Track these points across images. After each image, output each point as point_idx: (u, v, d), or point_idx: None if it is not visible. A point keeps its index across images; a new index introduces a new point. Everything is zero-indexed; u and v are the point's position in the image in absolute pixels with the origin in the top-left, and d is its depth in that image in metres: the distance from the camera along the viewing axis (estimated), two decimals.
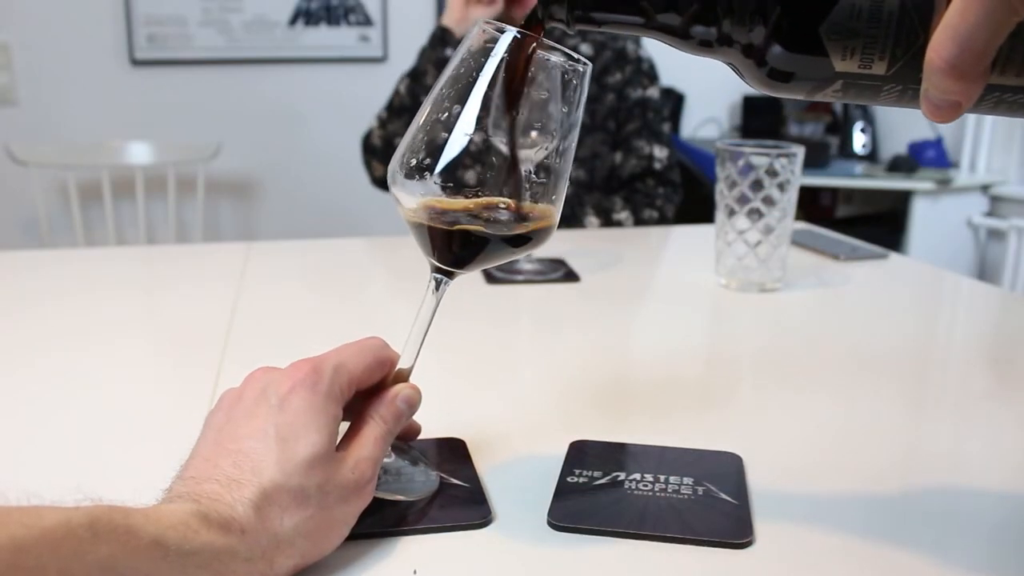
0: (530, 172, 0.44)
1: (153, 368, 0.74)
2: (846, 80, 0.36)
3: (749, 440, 0.57)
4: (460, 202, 0.44)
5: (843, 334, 0.83)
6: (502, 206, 0.44)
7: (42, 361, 0.73)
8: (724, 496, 0.49)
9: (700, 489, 0.50)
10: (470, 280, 0.99)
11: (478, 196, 0.44)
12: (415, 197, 0.44)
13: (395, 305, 0.95)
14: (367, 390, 0.48)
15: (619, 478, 0.51)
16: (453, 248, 0.45)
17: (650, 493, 0.49)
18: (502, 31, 0.42)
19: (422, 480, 0.50)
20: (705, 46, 0.39)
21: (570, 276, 1.00)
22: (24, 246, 2.38)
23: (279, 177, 2.57)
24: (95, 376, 0.70)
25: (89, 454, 0.56)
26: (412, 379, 0.50)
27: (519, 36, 0.42)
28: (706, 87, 2.90)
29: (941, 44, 0.31)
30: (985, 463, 0.56)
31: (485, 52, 0.43)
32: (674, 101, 2.80)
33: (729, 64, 0.40)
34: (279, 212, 2.59)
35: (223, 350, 0.75)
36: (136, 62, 2.44)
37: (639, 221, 1.51)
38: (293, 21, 2.53)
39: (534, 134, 0.44)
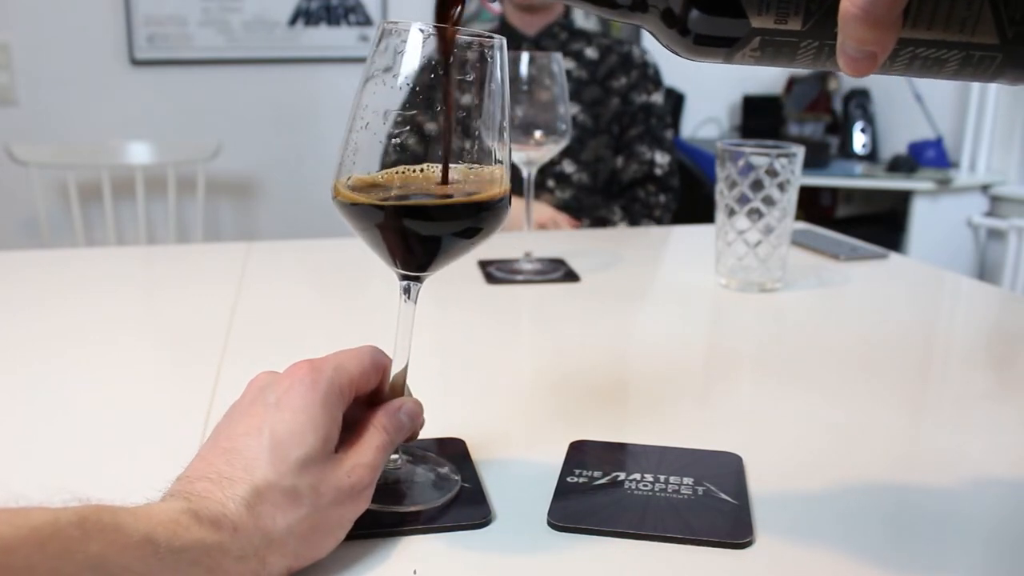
0: (461, 146, 0.44)
1: (153, 368, 0.74)
2: (763, 37, 0.36)
3: (749, 440, 0.57)
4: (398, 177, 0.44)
5: (843, 334, 0.83)
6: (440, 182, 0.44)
7: (42, 361, 0.73)
8: (724, 496, 0.49)
9: (700, 489, 0.50)
10: (470, 280, 0.99)
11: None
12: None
13: (395, 305, 0.95)
14: (369, 400, 0.48)
15: (619, 478, 0.51)
16: (409, 242, 0.45)
17: (650, 493, 0.49)
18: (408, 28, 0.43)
19: (443, 487, 0.49)
20: (622, 9, 0.39)
21: (570, 276, 1.00)
22: (24, 246, 2.38)
23: (279, 177, 2.57)
24: (95, 376, 0.70)
25: (89, 454, 0.56)
26: (412, 383, 0.50)
27: (430, 29, 0.43)
28: (706, 87, 2.90)
29: None
30: (985, 463, 0.56)
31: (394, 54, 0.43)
32: (674, 101, 2.80)
33: (647, 29, 0.40)
34: (279, 212, 2.59)
35: (223, 350, 0.75)
36: (136, 62, 2.44)
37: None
38: (293, 21, 2.53)
39: (466, 99, 0.44)
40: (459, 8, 0.44)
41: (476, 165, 0.45)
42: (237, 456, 0.41)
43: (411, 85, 0.43)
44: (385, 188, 0.44)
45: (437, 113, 0.43)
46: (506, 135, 0.46)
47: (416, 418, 0.49)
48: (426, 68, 0.43)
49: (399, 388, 0.49)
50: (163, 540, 0.35)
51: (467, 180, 0.45)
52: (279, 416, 0.42)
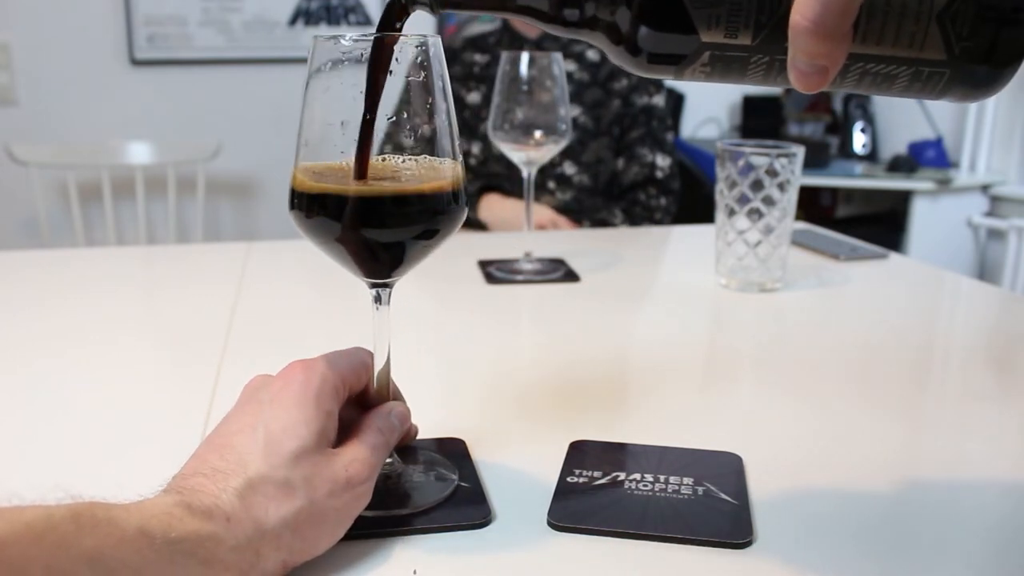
0: (403, 140, 0.45)
1: (153, 368, 0.74)
2: (713, 52, 0.36)
3: (749, 440, 0.57)
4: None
5: (843, 334, 0.83)
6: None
7: (42, 361, 0.73)
8: (724, 496, 0.49)
9: (700, 489, 0.50)
10: (470, 280, 0.99)
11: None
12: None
13: (394, 304, 0.95)
14: (358, 401, 0.49)
15: (619, 478, 0.51)
16: (371, 247, 0.45)
17: (650, 493, 0.49)
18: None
19: (440, 487, 0.50)
20: (570, 27, 0.39)
21: (570, 276, 1.00)
22: (24, 246, 2.37)
23: (279, 177, 2.57)
24: (95, 376, 0.70)
25: (89, 454, 0.56)
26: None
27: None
28: (706, 87, 2.90)
29: (805, 4, 0.31)
30: (985, 463, 0.56)
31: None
32: (674, 101, 2.80)
33: (597, 46, 0.40)
34: (279, 212, 2.58)
35: (223, 350, 0.75)
36: (136, 62, 2.44)
37: None
38: (293, 21, 2.53)
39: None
40: (403, 21, 0.45)
41: (428, 157, 0.46)
42: (231, 451, 0.41)
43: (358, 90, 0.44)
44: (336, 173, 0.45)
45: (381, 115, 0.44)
46: (453, 130, 0.47)
47: (405, 420, 0.49)
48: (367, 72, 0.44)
49: (384, 390, 0.49)
50: (158, 532, 0.35)
51: (416, 170, 0.46)
52: (273, 413, 0.43)
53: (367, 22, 2.57)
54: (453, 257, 1.09)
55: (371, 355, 0.49)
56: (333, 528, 0.42)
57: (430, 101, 0.45)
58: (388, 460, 0.50)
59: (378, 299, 0.49)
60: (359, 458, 0.44)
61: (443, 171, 0.46)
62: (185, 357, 0.76)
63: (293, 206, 0.46)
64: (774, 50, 0.35)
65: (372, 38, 0.43)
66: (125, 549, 0.34)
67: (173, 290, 0.99)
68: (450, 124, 0.46)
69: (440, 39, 0.46)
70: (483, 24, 2.66)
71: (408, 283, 0.99)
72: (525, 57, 0.98)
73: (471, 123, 1.59)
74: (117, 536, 0.34)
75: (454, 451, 0.54)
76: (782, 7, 0.34)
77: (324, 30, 2.54)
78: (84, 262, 1.15)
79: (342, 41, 0.43)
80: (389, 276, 0.48)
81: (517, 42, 1.57)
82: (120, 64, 2.44)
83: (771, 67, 0.36)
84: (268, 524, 0.39)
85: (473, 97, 1.59)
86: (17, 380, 0.69)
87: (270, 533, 0.39)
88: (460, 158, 0.47)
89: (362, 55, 0.43)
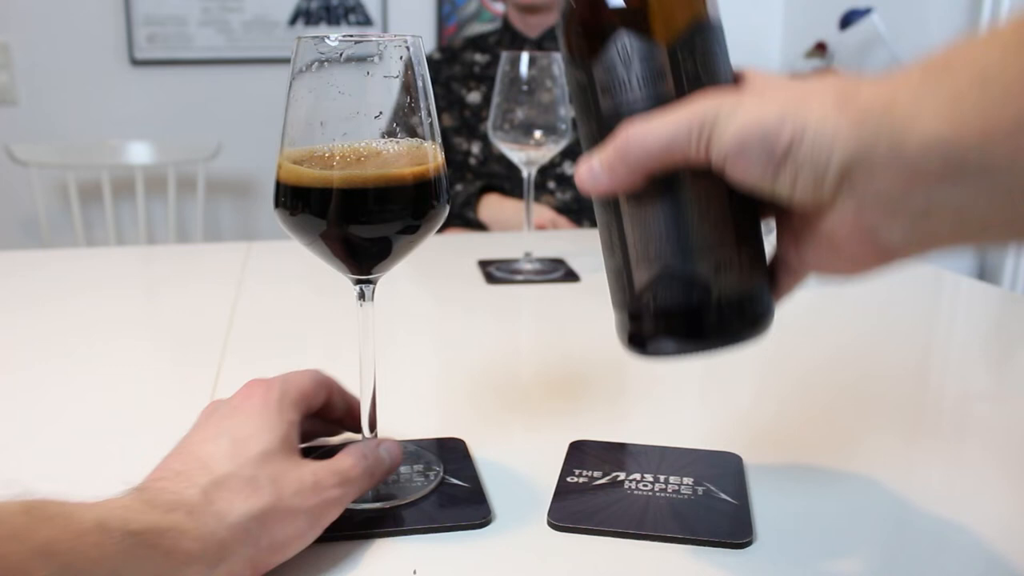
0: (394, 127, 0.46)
1: (153, 368, 0.74)
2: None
3: (749, 440, 0.57)
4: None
5: (843, 334, 0.83)
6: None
7: (42, 361, 0.73)
8: (724, 496, 0.49)
9: (700, 489, 0.50)
10: (470, 280, 0.99)
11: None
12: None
13: (393, 305, 0.95)
14: (320, 414, 0.50)
15: (619, 478, 0.51)
16: (353, 241, 0.46)
17: (650, 493, 0.49)
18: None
19: (421, 481, 0.50)
20: None
21: (570, 276, 1.00)
22: (24, 246, 2.38)
23: None
24: (95, 376, 0.70)
25: (88, 454, 0.56)
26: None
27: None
28: None
29: (630, 131, 0.36)
30: (984, 462, 0.56)
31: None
32: None
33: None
34: None
35: (223, 350, 0.75)
36: (136, 62, 2.44)
37: None
38: (293, 21, 2.53)
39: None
40: None
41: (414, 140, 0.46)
42: (194, 458, 0.41)
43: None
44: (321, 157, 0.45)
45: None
46: (433, 122, 0.47)
47: (395, 455, 0.48)
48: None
49: (355, 412, 0.51)
50: (116, 525, 0.34)
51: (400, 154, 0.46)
52: (235, 421, 0.43)
53: (367, 22, 2.57)
54: (453, 257, 1.09)
55: (326, 375, 0.51)
56: (303, 529, 0.41)
57: (411, 99, 0.46)
58: None
59: (362, 296, 0.49)
60: (329, 468, 0.43)
61: (424, 155, 0.46)
62: (185, 357, 0.76)
63: (278, 194, 0.47)
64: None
65: (354, 39, 0.44)
66: (82, 542, 0.33)
67: (173, 290, 0.99)
68: (431, 119, 0.47)
69: (422, 40, 0.47)
70: (482, 24, 2.66)
71: (408, 283, 0.99)
72: (525, 57, 0.98)
73: (471, 123, 1.59)
74: (73, 529, 0.33)
75: (454, 451, 0.54)
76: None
77: (324, 30, 2.54)
78: (84, 262, 1.15)
79: (324, 41, 0.44)
80: (372, 272, 0.48)
81: (517, 42, 1.57)
82: (120, 64, 2.44)
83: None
84: (232, 518, 0.38)
85: (473, 97, 1.58)
86: (17, 380, 0.69)
87: (235, 527, 0.38)
88: (441, 146, 0.47)
89: (340, 55, 0.44)
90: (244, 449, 0.41)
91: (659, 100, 0.38)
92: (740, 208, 0.39)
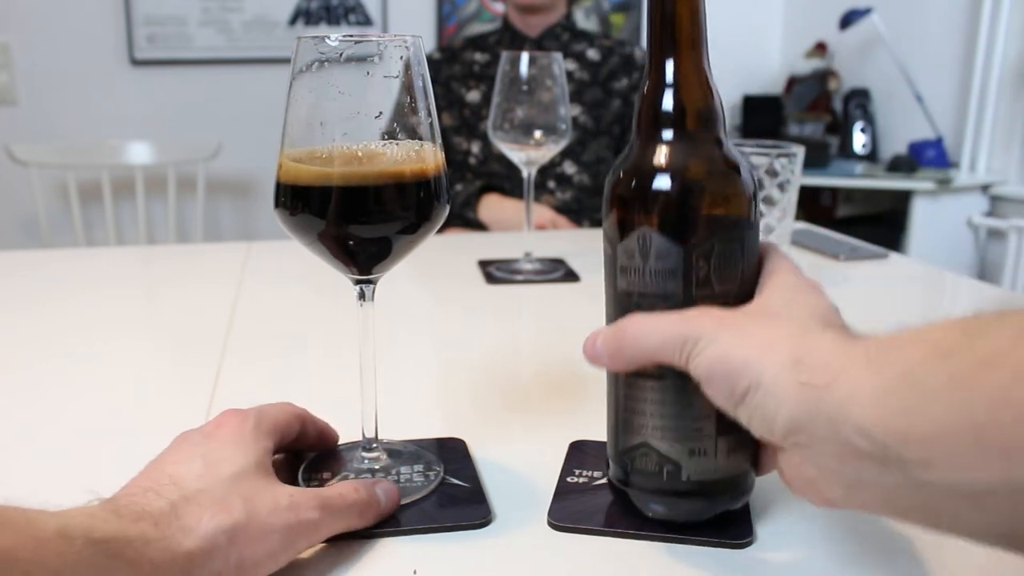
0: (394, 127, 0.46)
1: (153, 368, 0.74)
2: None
3: None
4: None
5: None
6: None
7: (42, 361, 0.73)
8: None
9: None
10: (470, 280, 0.99)
11: None
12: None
13: (393, 305, 0.95)
14: (293, 445, 0.50)
15: None
16: (352, 242, 0.46)
17: None
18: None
19: (420, 481, 0.50)
20: None
21: (570, 276, 1.00)
22: (24, 246, 2.38)
23: None
24: (95, 376, 0.70)
25: (88, 454, 0.56)
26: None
27: None
28: None
29: (629, 328, 0.41)
30: None
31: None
32: None
33: None
34: None
35: (223, 350, 0.75)
36: (136, 62, 2.44)
37: None
38: (293, 21, 2.53)
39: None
40: None
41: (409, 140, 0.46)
42: (165, 475, 0.40)
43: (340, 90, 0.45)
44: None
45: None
46: (433, 123, 0.47)
47: (392, 497, 0.46)
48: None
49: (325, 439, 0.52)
50: (78, 533, 0.33)
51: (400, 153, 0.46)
52: (209, 446, 0.43)
53: (367, 22, 2.57)
54: (453, 257, 1.09)
55: (300, 408, 0.50)
56: (275, 549, 0.40)
57: (411, 99, 0.46)
58: (374, 455, 0.51)
59: (362, 296, 0.49)
60: (311, 491, 0.43)
61: (424, 155, 0.46)
62: (185, 357, 0.76)
63: (279, 194, 0.47)
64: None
65: (354, 39, 0.44)
66: (44, 551, 0.32)
67: (173, 290, 0.99)
68: (431, 119, 0.47)
69: (421, 40, 0.47)
70: (482, 23, 2.66)
71: (408, 283, 0.99)
72: (525, 57, 0.98)
73: (471, 122, 1.59)
74: (33, 535, 0.32)
75: (454, 451, 0.54)
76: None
77: (324, 30, 2.54)
78: (84, 262, 1.15)
79: (325, 41, 0.44)
80: (372, 272, 0.48)
81: (517, 42, 1.57)
82: (120, 64, 2.44)
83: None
84: (200, 531, 0.37)
85: (473, 96, 1.58)
86: (17, 380, 0.69)
87: (204, 541, 0.37)
88: (441, 146, 0.48)
89: (339, 55, 0.44)
90: (217, 470, 0.40)
91: (666, 296, 0.42)
92: None
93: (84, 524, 0.34)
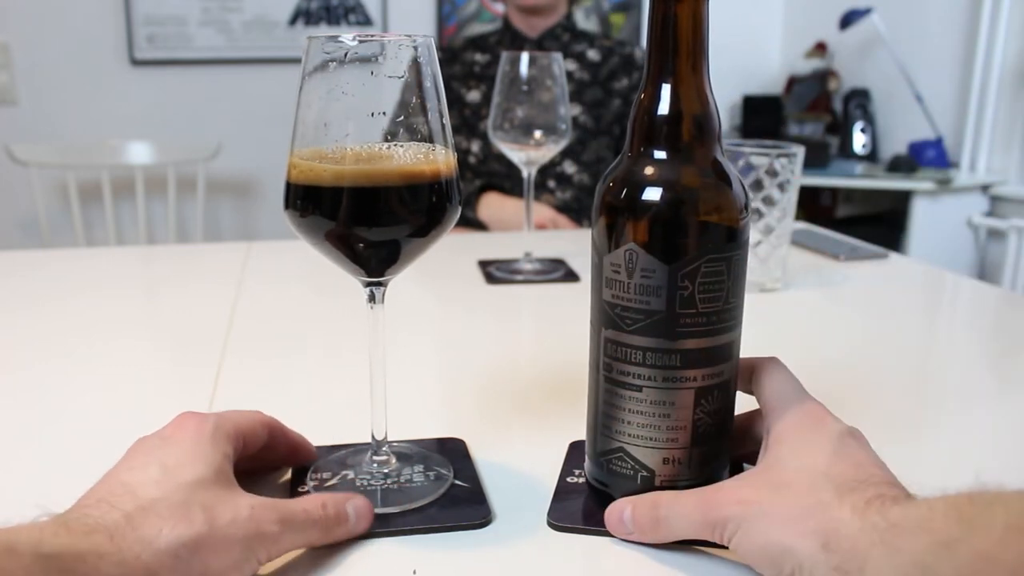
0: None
1: (153, 368, 0.74)
2: None
3: None
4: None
5: (843, 334, 0.83)
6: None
7: (42, 361, 0.73)
8: None
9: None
10: (470, 280, 0.99)
11: None
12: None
13: (393, 305, 0.95)
14: (261, 455, 0.49)
15: None
16: (361, 242, 0.45)
17: None
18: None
19: (429, 485, 0.50)
20: None
21: (570, 276, 1.00)
22: (24, 246, 2.38)
23: (279, 177, 2.56)
24: (95, 376, 0.70)
25: (88, 454, 0.56)
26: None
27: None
28: None
29: (663, 512, 0.43)
30: (985, 462, 0.56)
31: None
32: None
33: None
34: (279, 212, 2.57)
35: (223, 350, 0.75)
36: (136, 62, 2.44)
37: None
38: (293, 21, 2.53)
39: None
40: None
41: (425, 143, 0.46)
42: (120, 483, 0.39)
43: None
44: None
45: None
46: (445, 123, 0.47)
47: (364, 514, 0.45)
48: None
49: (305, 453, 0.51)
50: (25, 548, 0.32)
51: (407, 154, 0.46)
52: (167, 450, 0.41)
53: (367, 22, 2.57)
54: (453, 257, 1.09)
55: (269, 416, 0.49)
56: (239, 561, 0.38)
57: (421, 99, 0.45)
58: (383, 458, 0.50)
59: (372, 298, 0.49)
60: (272, 503, 0.41)
61: (436, 156, 0.46)
62: (185, 357, 0.76)
63: (289, 195, 0.47)
64: None
65: (363, 39, 0.43)
66: None
67: (173, 290, 0.99)
68: (443, 120, 0.46)
69: (432, 39, 0.46)
70: (482, 24, 2.66)
71: (408, 283, 0.99)
72: (525, 57, 0.98)
73: (471, 122, 1.59)
74: None
75: (454, 451, 0.54)
76: None
77: (324, 30, 2.54)
78: (84, 262, 1.15)
79: (338, 41, 0.43)
80: (383, 273, 0.48)
81: (518, 42, 1.57)
82: (120, 64, 2.44)
83: None
84: (160, 544, 0.36)
85: (473, 96, 1.59)
86: (17, 380, 0.69)
87: (163, 553, 0.35)
88: (452, 147, 0.47)
89: (347, 55, 0.43)
90: (175, 476, 0.39)
91: (649, 313, 0.43)
92: (704, 416, 0.44)
93: (33, 539, 0.33)
